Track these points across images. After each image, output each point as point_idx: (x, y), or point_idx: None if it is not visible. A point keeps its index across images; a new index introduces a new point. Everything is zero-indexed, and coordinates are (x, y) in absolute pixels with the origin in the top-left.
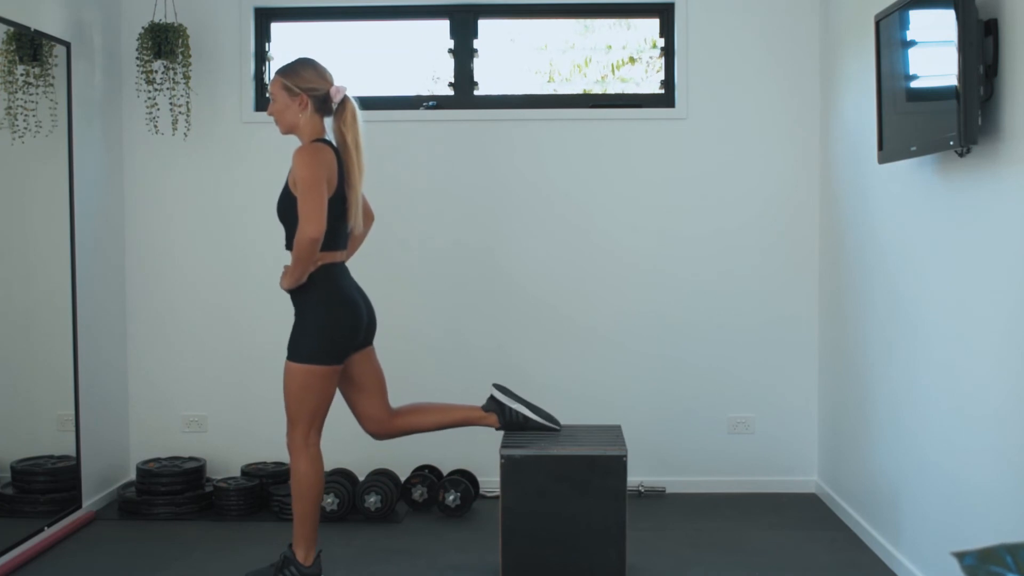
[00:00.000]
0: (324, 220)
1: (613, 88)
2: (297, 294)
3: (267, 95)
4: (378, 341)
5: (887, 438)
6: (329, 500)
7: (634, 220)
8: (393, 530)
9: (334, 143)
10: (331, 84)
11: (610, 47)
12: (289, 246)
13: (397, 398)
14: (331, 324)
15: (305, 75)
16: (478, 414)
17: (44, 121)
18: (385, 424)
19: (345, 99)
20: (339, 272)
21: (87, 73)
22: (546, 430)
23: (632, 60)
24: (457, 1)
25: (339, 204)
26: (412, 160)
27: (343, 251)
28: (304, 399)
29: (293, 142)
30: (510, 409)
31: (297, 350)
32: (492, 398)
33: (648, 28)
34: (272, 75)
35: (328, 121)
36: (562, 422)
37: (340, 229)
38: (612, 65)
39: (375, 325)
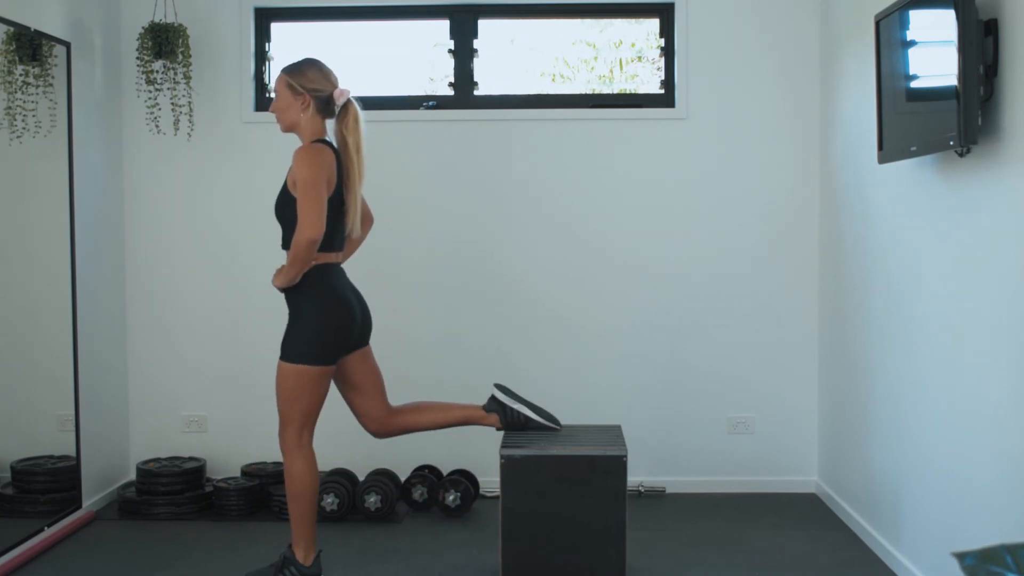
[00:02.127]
0: (323, 221)
1: (620, 85)
2: (290, 294)
3: (268, 95)
4: (376, 340)
5: (887, 438)
6: (329, 500)
7: (633, 220)
8: (393, 530)
9: (335, 144)
10: (335, 86)
11: (619, 43)
12: (286, 245)
13: (395, 398)
14: (324, 325)
15: (310, 75)
16: (479, 414)
17: (44, 121)
18: (385, 422)
19: (348, 102)
20: (334, 273)
21: (87, 73)
22: (547, 430)
23: (640, 58)
24: (457, 1)
25: (337, 206)
26: (412, 160)
27: (339, 252)
28: (296, 399)
29: (293, 142)
30: (511, 409)
31: (290, 350)
32: (493, 398)
33: (652, 26)
34: (277, 73)
35: (330, 123)
36: (562, 422)
37: (337, 231)
38: (620, 61)
39: (370, 325)
